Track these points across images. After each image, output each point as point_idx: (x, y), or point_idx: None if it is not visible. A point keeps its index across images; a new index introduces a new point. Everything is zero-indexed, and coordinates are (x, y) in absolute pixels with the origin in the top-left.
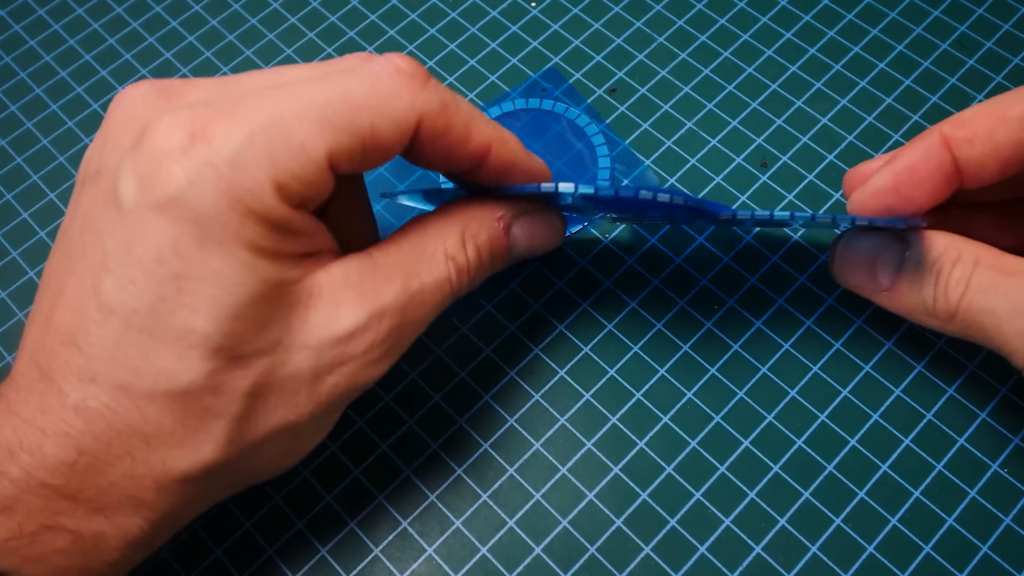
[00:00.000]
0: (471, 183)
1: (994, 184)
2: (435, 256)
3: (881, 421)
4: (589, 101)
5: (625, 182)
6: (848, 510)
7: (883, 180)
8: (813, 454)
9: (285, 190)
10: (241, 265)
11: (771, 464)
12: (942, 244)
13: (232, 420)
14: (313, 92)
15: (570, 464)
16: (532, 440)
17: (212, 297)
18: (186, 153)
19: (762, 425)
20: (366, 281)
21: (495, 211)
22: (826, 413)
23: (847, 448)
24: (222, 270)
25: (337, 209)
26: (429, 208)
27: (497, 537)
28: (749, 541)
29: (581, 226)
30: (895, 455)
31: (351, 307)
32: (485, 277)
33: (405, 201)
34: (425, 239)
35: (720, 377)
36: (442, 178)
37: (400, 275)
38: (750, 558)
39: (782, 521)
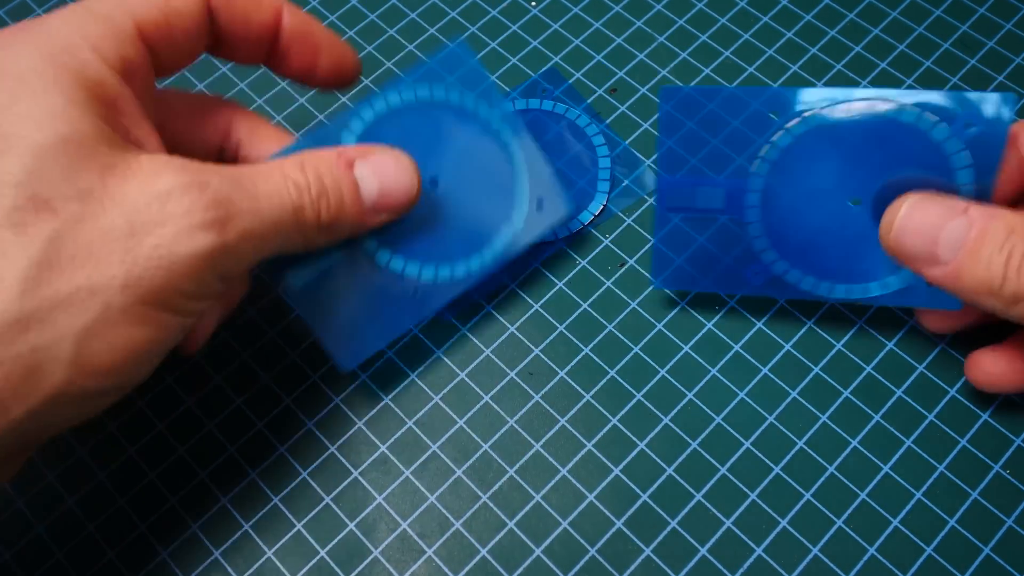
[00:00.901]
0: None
1: None
2: (271, 172)
3: (882, 422)
4: (589, 101)
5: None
6: (849, 511)
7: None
8: (814, 455)
9: (101, 50)
10: (53, 108)
11: (772, 465)
12: (1010, 222)
13: (30, 263)
14: None
15: (570, 465)
16: (532, 441)
17: (22, 138)
18: (12, 30)
19: (763, 426)
20: (191, 166)
21: (334, 150)
22: (827, 414)
23: (848, 449)
24: (33, 112)
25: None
26: None
27: (497, 539)
28: (750, 543)
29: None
30: (896, 456)
31: (172, 174)
32: (344, 216)
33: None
34: (261, 165)
35: (721, 378)
36: None
37: (231, 173)
38: (751, 559)
39: (783, 523)
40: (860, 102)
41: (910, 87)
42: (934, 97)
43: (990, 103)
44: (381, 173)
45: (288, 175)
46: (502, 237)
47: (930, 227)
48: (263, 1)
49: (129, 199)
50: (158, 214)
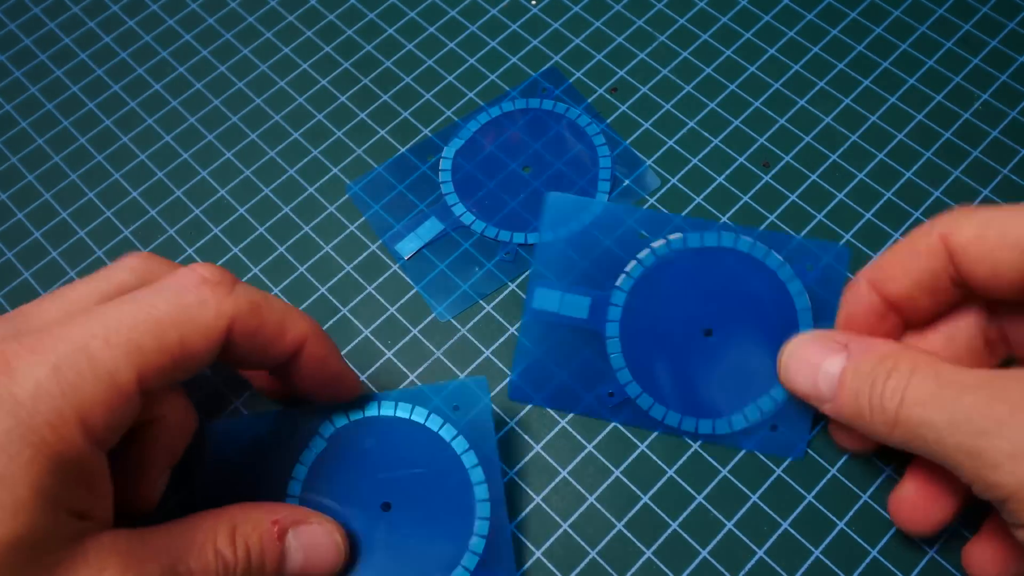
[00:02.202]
0: (289, 388)
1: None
2: (204, 547)
3: None
4: (590, 100)
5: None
6: (851, 514)
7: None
8: (817, 457)
9: (89, 422)
10: (16, 503)
11: (774, 468)
12: (880, 353)
13: None
14: (119, 315)
15: (571, 467)
16: (532, 443)
17: None
18: None
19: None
20: (134, 552)
21: (272, 513)
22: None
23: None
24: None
25: (136, 452)
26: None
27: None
28: (752, 545)
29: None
30: (897, 458)
31: (114, 571)
32: None
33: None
34: (196, 530)
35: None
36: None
37: (168, 556)
38: (753, 562)
39: (785, 525)
40: (713, 232)
41: (912, 87)
42: (782, 240)
43: (828, 252)
44: (310, 549)
45: (220, 551)
46: (464, 566)
47: (810, 366)
48: (288, 333)
49: None
50: None
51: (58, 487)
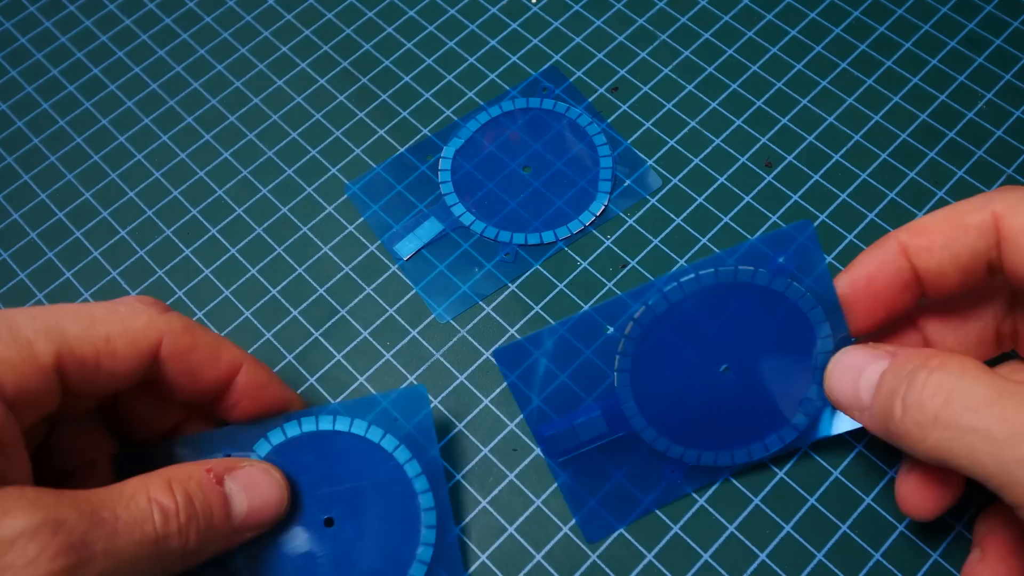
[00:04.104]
0: (223, 418)
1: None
2: (134, 497)
3: None
4: (590, 100)
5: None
6: (854, 516)
7: (839, 289)
8: (818, 459)
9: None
10: None
11: (776, 470)
12: (926, 353)
13: None
14: (52, 306)
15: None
16: (532, 445)
17: None
18: None
19: None
20: (46, 499)
21: (203, 465)
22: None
23: (854, 453)
24: None
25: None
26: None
27: (497, 544)
28: (754, 548)
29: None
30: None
31: (23, 514)
32: (211, 539)
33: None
34: (125, 486)
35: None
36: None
37: (89, 504)
38: (754, 565)
39: (787, 528)
40: (692, 275)
41: (916, 86)
42: (744, 248)
43: (793, 231)
44: (251, 490)
45: (154, 498)
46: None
47: (854, 371)
48: (222, 357)
49: None
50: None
51: None
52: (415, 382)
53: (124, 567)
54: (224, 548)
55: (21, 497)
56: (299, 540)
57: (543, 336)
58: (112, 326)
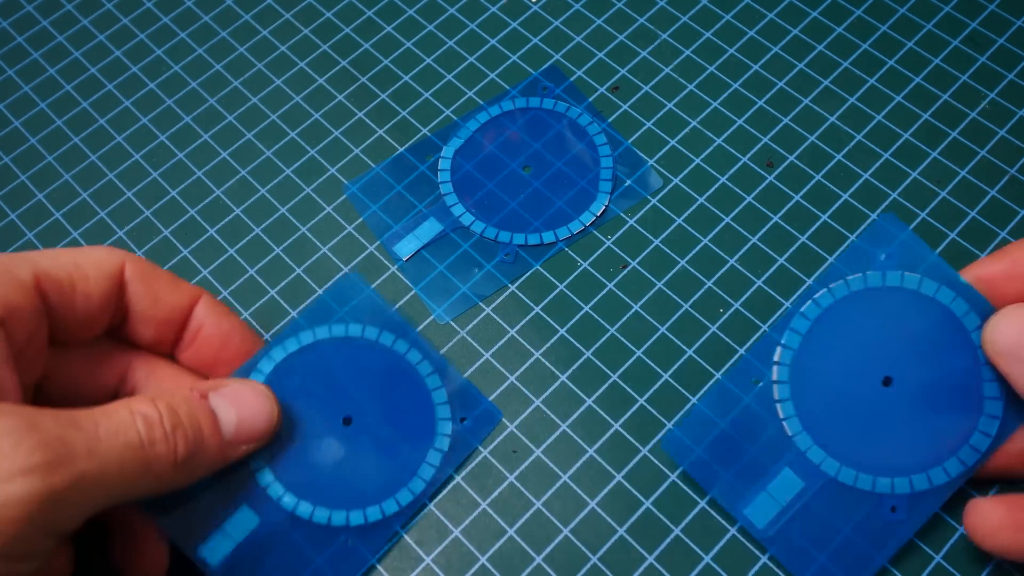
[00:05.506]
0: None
1: None
2: (117, 410)
3: None
4: (591, 99)
5: None
6: (856, 519)
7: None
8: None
9: None
10: None
11: None
12: None
13: None
14: (28, 252)
15: (572, 471)
16: (533, 447)
17: None
18: None
19: None
20: (25, 409)
21: (186, 384)
22: None
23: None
24: None
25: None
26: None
27: (497, 546)
28: (755, 551)
29: None
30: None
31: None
32: (203, 449)
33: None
34: (106, 406)
35: (726, 383)
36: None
37: (70, 414)
38: (756, 568)
39: None
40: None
41: (919, 85)
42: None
43: (887, 225)
44: (238, 403)
45: (136, 410)
46: (430, 463)
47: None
48: (182, 285)
49: None
50: None
51: None
52: None
53: (110, 469)
54: (223, 462)
55: None
56: (320, 440)
57: (703, 408)
58: (79, 255)
